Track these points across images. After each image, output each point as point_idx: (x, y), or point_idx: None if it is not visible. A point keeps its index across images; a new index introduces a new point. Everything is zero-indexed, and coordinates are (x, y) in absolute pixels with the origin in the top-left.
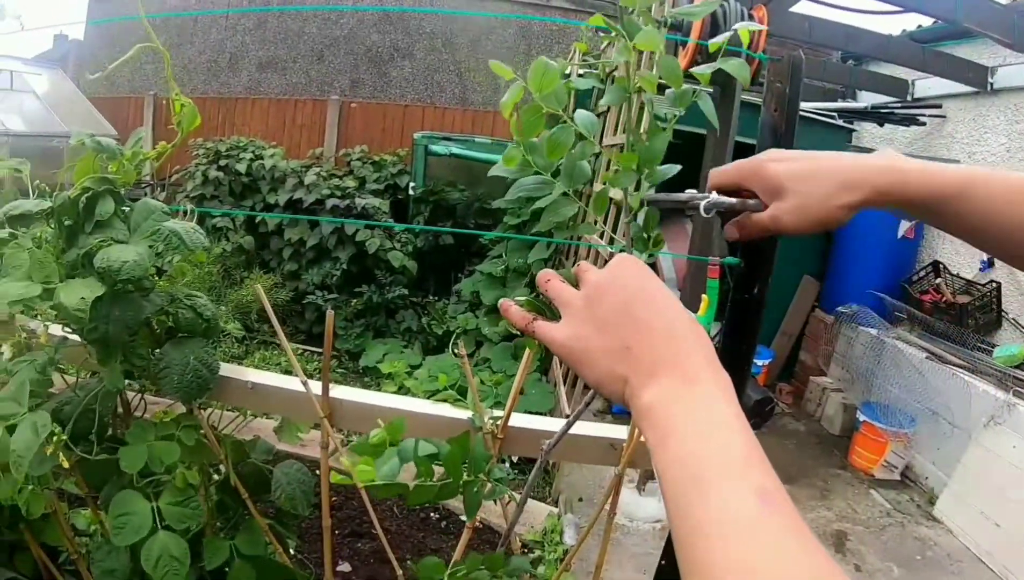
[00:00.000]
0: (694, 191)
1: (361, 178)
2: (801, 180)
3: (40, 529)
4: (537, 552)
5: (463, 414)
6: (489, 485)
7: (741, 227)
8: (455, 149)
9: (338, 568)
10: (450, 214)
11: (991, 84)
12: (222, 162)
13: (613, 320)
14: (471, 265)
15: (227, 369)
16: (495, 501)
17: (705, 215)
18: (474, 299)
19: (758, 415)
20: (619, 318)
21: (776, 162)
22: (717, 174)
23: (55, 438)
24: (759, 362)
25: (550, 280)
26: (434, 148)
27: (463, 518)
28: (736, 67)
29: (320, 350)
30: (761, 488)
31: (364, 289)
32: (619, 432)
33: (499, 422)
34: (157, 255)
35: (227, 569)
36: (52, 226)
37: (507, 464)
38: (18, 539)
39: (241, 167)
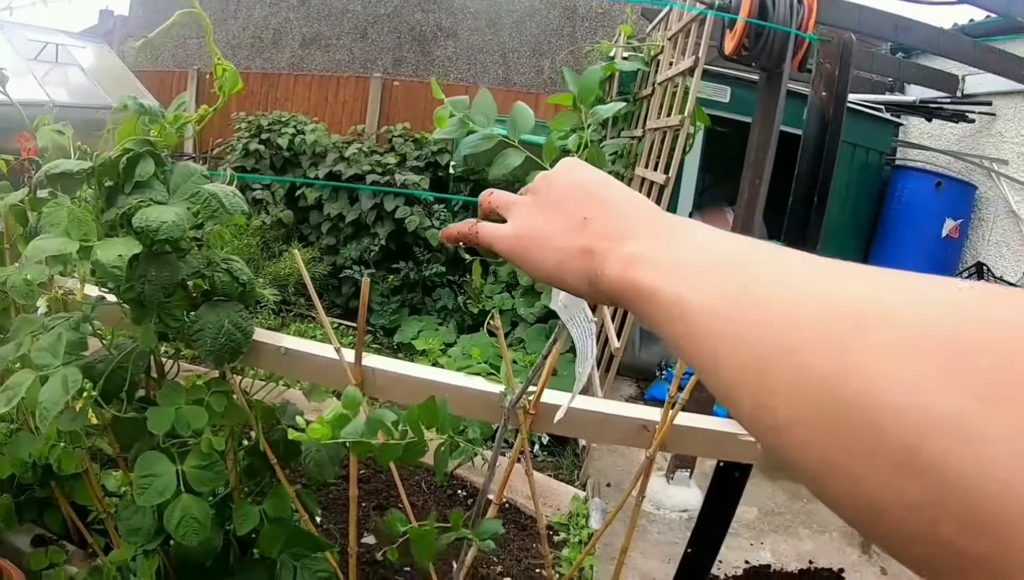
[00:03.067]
0: None
1: (402, 155)
2: None
3: (71, 488)
4: (562, 535)
5: (495, 388)
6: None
7: None
8: (497, 129)
9: (363, 539)
10: None
11: None
12: (264, 136)
13: (566, 198)
14: None
15: (261, 334)
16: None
17: None
18: (511, 279)
19: None
20: (572, 195)
21: None
22: None
23: (84, 394)
24: None
25: (493, 192)
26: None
27: (490, 496)
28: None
29: (356, 325)
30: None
31: (401, 266)
32: (652, 414)
33: (531, 398)
34: (196, 218)
35: (254, 535)
36: (92, 187)
37: (536, 446)
38: (48, 497)
39: (283, 141)
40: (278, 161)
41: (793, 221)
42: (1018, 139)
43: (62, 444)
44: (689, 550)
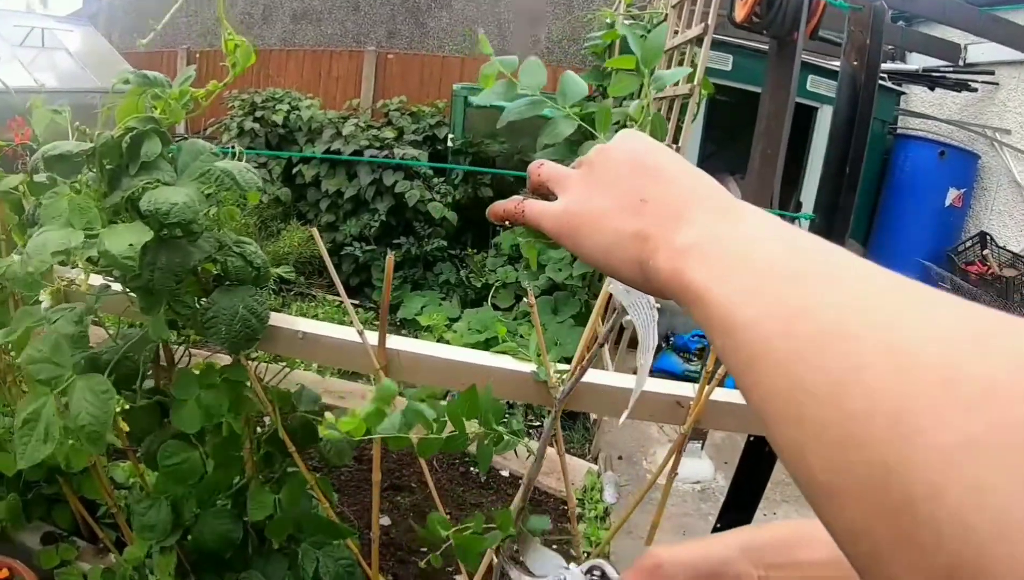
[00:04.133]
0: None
1: (399, 129)
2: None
3: (79, 483)
4: (578, 510)
5: (524, 367)
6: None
7: None
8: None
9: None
10: (490, 166)
11: None
12: (258, 113)
13: (623, 174)
14: None
15: (275, 318)
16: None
17: None
18: (513, 252)
19: None
20: (629, 171)
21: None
22: None
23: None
24: None
25: (543, 163)
26: (474, 99)
27: (504, 473)
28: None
29: (357, 302)
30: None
31: (402, 241)
32: (686, 390)
33: (564, 376)
34: (207, 199)
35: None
36: (93, 169)
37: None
38: (56, 493)
39: (277, 118)
40: (273, 139)
41: (825, 190)
42: (1021, 108)
43: (71, 441)
44: (718, 525)
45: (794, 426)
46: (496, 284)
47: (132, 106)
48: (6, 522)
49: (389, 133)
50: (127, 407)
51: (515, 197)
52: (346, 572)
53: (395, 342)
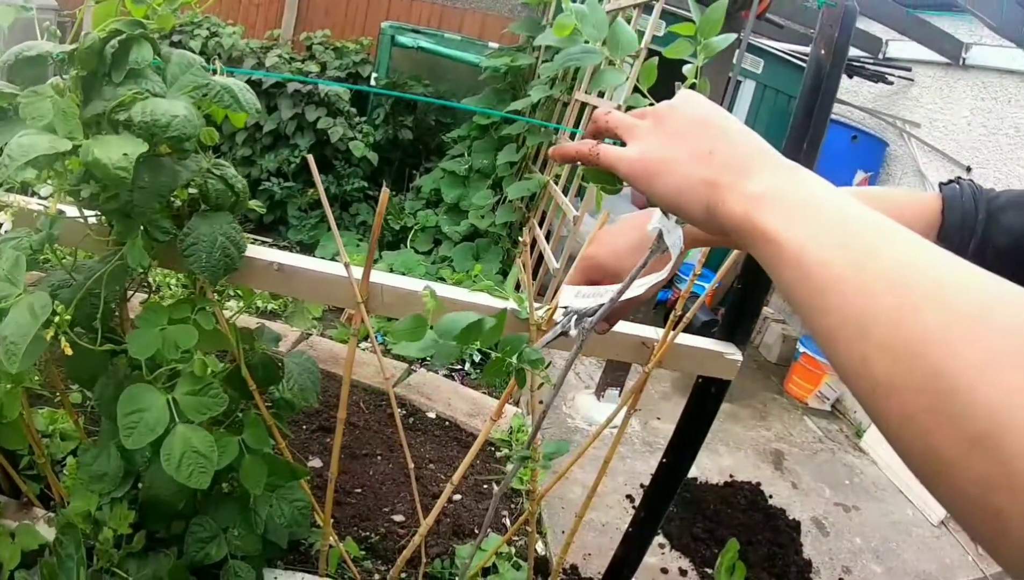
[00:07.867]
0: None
1: (323, 64)
2: (625, 251)
3: None
4: (504, 451)
5: (502, 303)
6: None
7: (611, 317)
8: (424, 43)
9: (309, 464)
10: (411, 109)
11: (964, 59)
12: (175, 38)
13: (690, 128)
14: (428, 162)
15: (251, 250)
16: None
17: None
18: (433, 197)
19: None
20: (696, 126)
21: (603, 248)
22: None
23: (57, 320)
24: (705, 285)
25: (609, 112)
26: (401, 39)
27: (430, 414)
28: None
29: (271, 241)
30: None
31: (321, 179)
32: (651, 332)
33: (544, 314)
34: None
35: (234, 466)
36: (69, 76)
37: (467, 363)
38: None
39: (195, 45)
40: None
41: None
42: (931, 105)
43: (8, 386)
44: (664, 460)
45: (860, 341)
46: (415, 227)
47: (111, 10)
48: None
49: (313, 67)
50: (79, 346)
51: (587, 141)
52: (300, 514)
53: (379, 277)
